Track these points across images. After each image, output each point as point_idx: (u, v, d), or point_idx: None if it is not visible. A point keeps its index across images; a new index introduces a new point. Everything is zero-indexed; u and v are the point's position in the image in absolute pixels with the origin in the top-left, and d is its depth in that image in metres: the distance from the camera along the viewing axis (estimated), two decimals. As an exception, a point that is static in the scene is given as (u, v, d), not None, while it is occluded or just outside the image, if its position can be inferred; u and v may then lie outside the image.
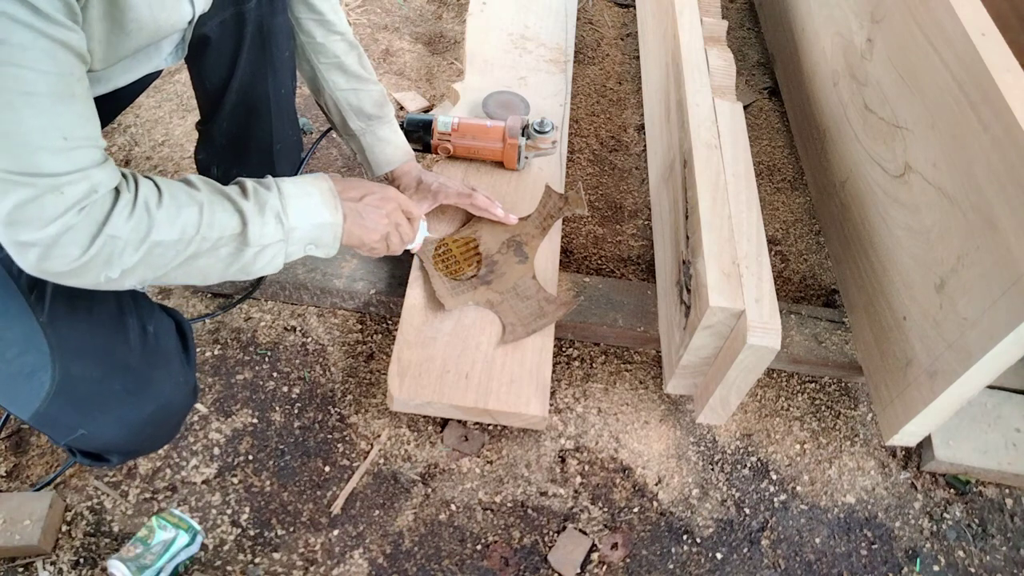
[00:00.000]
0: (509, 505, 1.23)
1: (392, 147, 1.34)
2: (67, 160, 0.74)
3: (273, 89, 1.22)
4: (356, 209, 1.04)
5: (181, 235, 0.84)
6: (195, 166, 1.40)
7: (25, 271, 0.79)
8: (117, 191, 0.80)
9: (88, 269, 0.79)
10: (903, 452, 1.36)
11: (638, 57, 2.04)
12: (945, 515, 1.30)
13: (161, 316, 1.06)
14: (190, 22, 0.95)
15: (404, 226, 1.13)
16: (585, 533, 1.21)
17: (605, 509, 1.24)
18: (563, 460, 1.29)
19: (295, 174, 1.39)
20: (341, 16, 1.25)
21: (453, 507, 1.22)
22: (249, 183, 0.94)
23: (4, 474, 1.18)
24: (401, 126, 1.42)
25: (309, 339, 1.39)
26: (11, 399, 0.96)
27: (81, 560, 1.11)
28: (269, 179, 0.96)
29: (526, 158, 1.52)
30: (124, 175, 0.83)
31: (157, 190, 0.84)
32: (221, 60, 1.15)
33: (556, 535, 1.20)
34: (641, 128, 1.87)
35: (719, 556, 1.22)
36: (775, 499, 1.29)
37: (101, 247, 0.78)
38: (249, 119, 1.25)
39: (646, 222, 1.67)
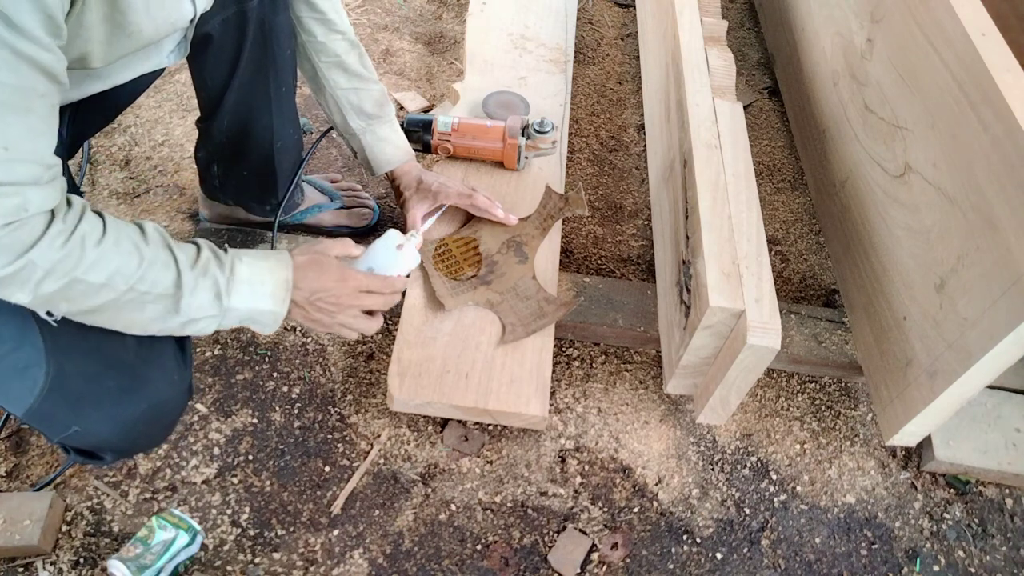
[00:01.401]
0: (509, 505, 1.23)
1: (392, 147, 1.34)
2: (3, 170, 0.72)
3: (274, 87, 1.22)
4: (307, 301, 1.01)
5: (108, 281, 0.82)
6: (195, 165, 1.39)
7: None
8: (52, 214, 0.78)
9: (3, 286, 0.78)
10: (903, 452, 1.36)
11: (638, 57, 2.04)
12: (945, 515, 1.30)
13: None
14: (192, 21, 0.95)
15: (360, 321, 1.07)
16: (585, 533, 1.21)
17: (605, 509, 1.24)
18: (563, 460, 1.29)
19: (296, 173, 1.39)
20: (342, 15, 1.25)
21: (453, 507, 1.22)
22: (206, 251, 0.91)
23: (4, 474, 1.18)
24: (401, 126, 1.42)
25: (309, 339, 1.39)
26: (5, 395, 0.95)
27: (81, 560, 1.11)
28: (229, 254, 0.94)
29: (526, 158, 1.52)
30: (70, 202, 0.81)
31: (102, 229, 0.82)
32: (223, 58, 1.15)
33: (556, 535, 1.20)
34: (641, 128, 1.87)
35: (719, 556, 1.22)
36: (775, 499, 1.29)
37: (19, 268, 0.76)
38: (250, 117, 1.25)
39: (646, 222, 1.67)
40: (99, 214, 0.84)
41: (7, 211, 0.73)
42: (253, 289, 0.94)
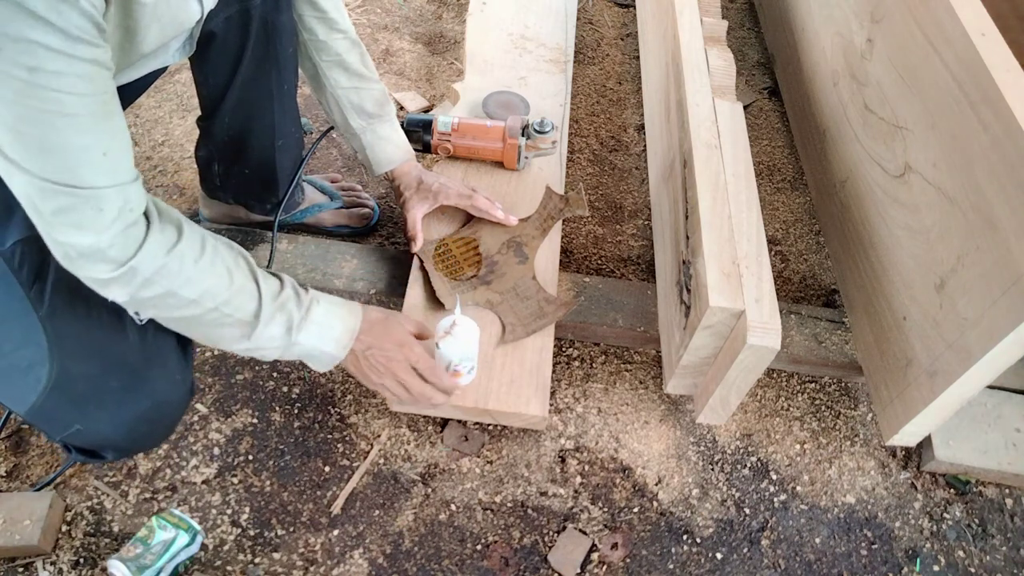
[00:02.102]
0: (509, 505, 1.23)
1: (392, 146, 1.34)
2: (107, 174, 0.78)
3: (276, 85, 1.22)
4: (362, 353, 1.07)
5: (198, 298, 0.89)
6: (195, 164, 1.39)
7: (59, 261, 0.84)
8: (147, 219, 0.84)
9: (107, 285, 0.84)
10: (903, 452, 1.36)
11: (638, 57, 2.04)
12: (945, 515, 1.30)
13: None
14: (199, 21, 0.95)
15: (399, 389, 1.11)
16: (585, 533, 1.21)
17: (605, 509, 1.24)
18: (563, 460, 1.29)
19: (297, 171, 1.39)
20: (344, 14, 1.25)
21: (453, 507, 1.22)
22: (288, 288, 0.98)
23: (4, 474, 1.18)
24: (401, 126, 1.42)
25: (309, 339, 1.39)
26: (8, 394, 0.96)
27: (81, 560, 1.11)
28: (309, 294, 1.01)
29: (526, 158, 1.52)
30: (162, 212, 0.87)
31: (200, 247, 0.89)
32: (226, 56, 1.15)
33: (556, 535, 1.20)
34: (641, 128, 1.87)
35: (719, 556, 1.22)
36: (775, 499, 1.29)
37: (123, 273, 0.83)
38: (251, 115, 1.25)
39: (646, 222, 1.67)
40: (197, 231, 0.90)
41: (118, 211, 0.80)
42: (321, 331, 1.01)
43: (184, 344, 1.08)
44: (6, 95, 0.69)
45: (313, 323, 1.00)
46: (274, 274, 0.99)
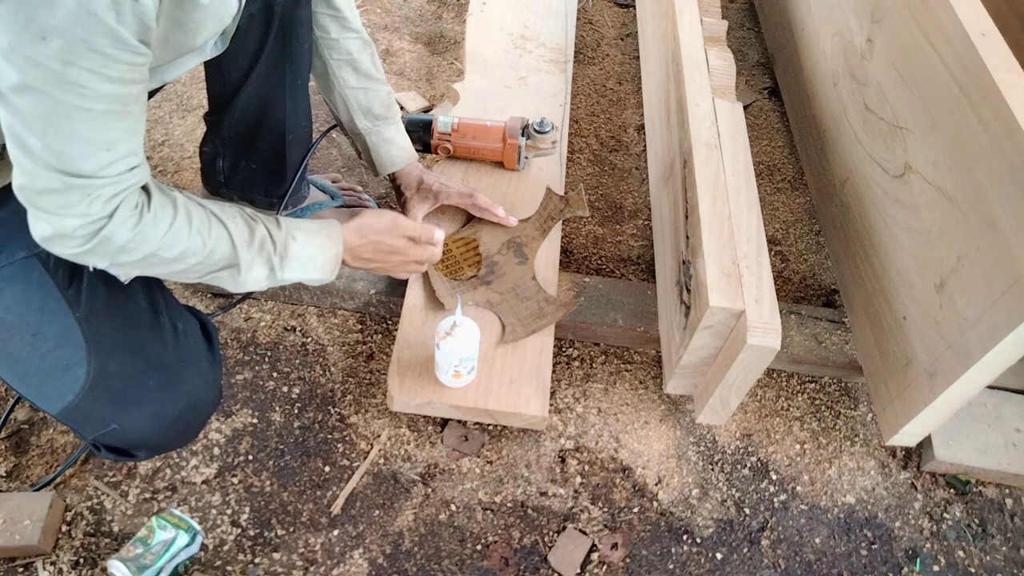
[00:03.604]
0: (509, 505, 1.23)
1: (397, 148, 1.34)
2: (105, 168, 0.80)
3: (290, 80, 1.22)
4: (353, 259, 1.12)
5: (179, 256, 0.90)
6: (199, 160, 1.39)
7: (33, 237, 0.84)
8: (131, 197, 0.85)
9: (82, 257, 0.85)
10: (903, 452, 1.36)
11: (638, 57, 2.04)
12: (945, 515, 1.30)
13: (188, 316, 1.09)
14: (235, 16, 0.95)
15: (408, 255, 1.17)
16: (585, 533, 1.21)
17: (605, 509, 1.24)
18: (563, 460, 1.29)
19: (302, 164, 1.39)
20: (356, 14, 1.25)
21: (453, 507, 1.22)
22: (260, 228, 0.98)
23: (4, 474, 1.18)
24: (401, 126, 1.43)
25: (309, 339, 1.39)
26: (42, 393, 0.97)
27: (81, 560, 1.11)
28: (283, 231, 1.00)
29: (526, 158, 1.52)
30: (148, 188, 0.87)
31: (172, 214, 0.88)
32: (245, 51, 1.15)
33: (556, 535, 1.20)
34: (641, 128, 1.87)
35: (719, 556, 1.22)
36: (775, 499, 1.29)
37: (97, 244, 0.83)
38: (264, 110, 1.25)
39: (646, 222, 1.67)
40: (169, 196, 0.90)
41: (106, 200, 0.81)
42: (304, 264, 1.03)
43: (211, 345, 1.09)
44: (35, 77, 0.70)
45: (294, 259, 1.01)
46: (252, 217, 0.99)
